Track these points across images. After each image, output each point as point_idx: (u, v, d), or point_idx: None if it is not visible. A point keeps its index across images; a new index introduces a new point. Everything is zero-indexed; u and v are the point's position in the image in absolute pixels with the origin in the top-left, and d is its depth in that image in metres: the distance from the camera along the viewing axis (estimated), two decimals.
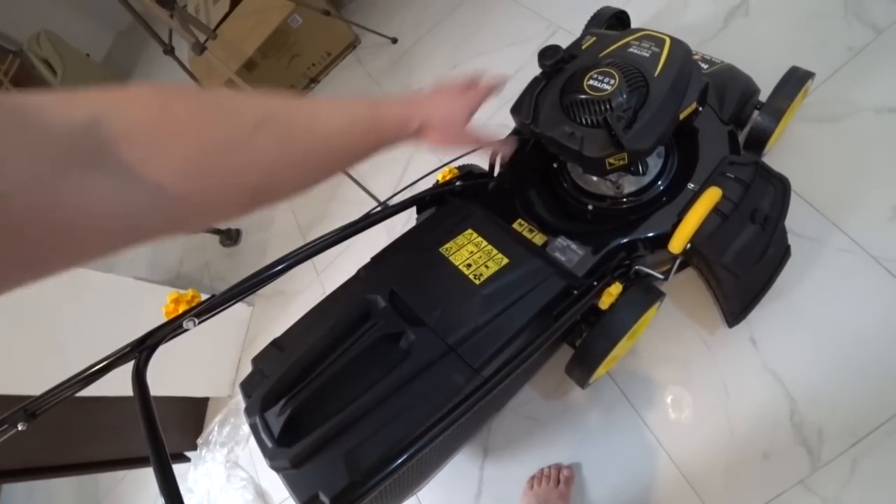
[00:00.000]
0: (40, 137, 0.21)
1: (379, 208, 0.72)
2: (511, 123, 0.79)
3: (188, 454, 1.43)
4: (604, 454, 0.78)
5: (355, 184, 1.18)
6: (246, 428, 1.35)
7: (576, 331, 0.72)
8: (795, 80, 0.72)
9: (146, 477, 1.43)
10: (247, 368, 1.51)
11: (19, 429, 0.53)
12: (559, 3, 1.21)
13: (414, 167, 1.24)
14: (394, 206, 0.73)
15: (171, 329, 0.58)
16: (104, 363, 0.56)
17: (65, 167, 0.21)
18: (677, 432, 0.74)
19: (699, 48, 0.82)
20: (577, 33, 0.93)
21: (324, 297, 1.31)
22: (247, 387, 0.63)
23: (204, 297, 0.63)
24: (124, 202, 0.23)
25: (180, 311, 0.60)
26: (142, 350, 0.57)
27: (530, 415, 0.86)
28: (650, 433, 0.75)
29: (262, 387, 0.59)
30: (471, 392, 0.53)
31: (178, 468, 1.39)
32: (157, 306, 1.31)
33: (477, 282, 0.61)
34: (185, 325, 0.58)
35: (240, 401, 1.38)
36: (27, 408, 0.54)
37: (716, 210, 0.60)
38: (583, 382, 0.73)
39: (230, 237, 1.61)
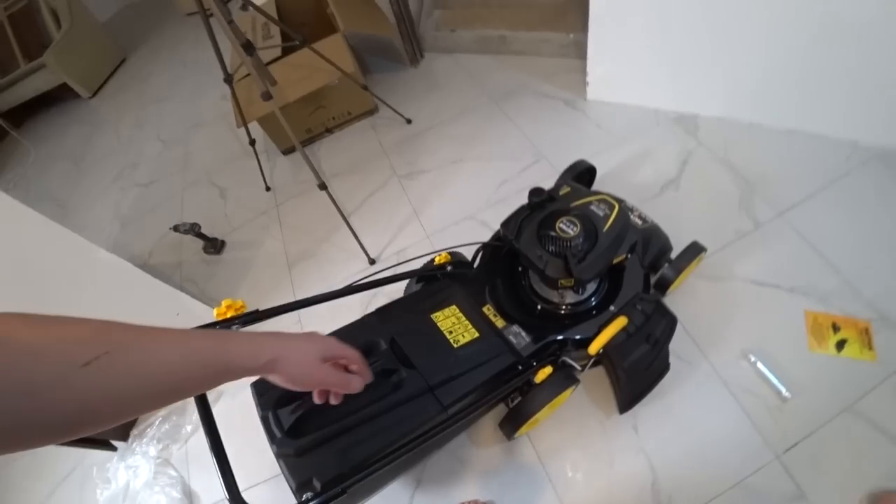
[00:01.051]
0: None
1: (382, 274, 0.91)
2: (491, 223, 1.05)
3: (116, 443, 1.42)
4: (513, 495, 0.99)
5: (352, 234, 1.38)
6: (189, 428, 1.40)
7: (513, 395, 0.95)
8: (693, 251, 1.03)
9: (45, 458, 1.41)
10: None
11: None
12: (548, 137, 1.53)
13: (407, 232, 1.46)
14: (394, 275, 0.95)
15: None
16: None
17: None
18: (571, 486, 0.97)
19: (638, 205, 1.11)
20: (556, 165, 1.23)
21: (298, 324, 1.45)
22: (259, 387, 0.79)
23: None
24: None
25: (229, 316, 0.76)
26: None
27: (461, 457, 1.06)
28: (550, 484, 0.98)
29: (279, 388, 0.76)
30: (438, 423, 0.74)
31: (99, 455, 1.37)
32: (117, 284, 1.27)
33: (455, 345, 0.84)
34: (233, 328, 0.75)
35: (190, 401, 1.44)
36: None
37: (624, 330, 0.87)
38: (510, 435, 0.95)
39: (214, 246, 1.66)
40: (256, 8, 1.30)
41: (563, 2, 1.76)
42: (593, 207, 0.92)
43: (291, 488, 0.69)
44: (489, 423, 1.04)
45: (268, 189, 1.79)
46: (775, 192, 1.23)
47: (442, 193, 1.52)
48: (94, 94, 2.95)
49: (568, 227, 0.86)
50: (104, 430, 0.33)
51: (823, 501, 0.86)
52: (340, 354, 0.53)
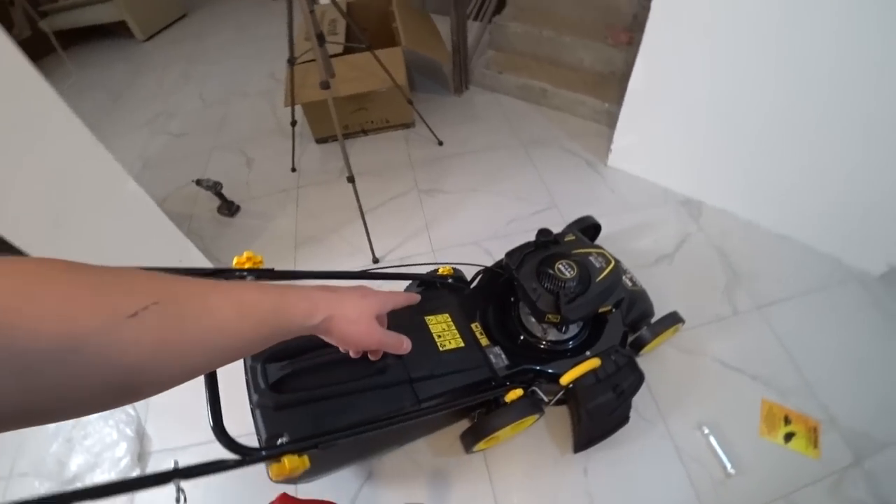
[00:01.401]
0: None
1: (391, 269, 0.98)
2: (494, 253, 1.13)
3: None
4: None
5: (364, 231, 1.45)
6: None
7: (479, 409, 1.01)
8: (672, 320, 1.12)
9: None
10: None
11: None
12: (564, 189, 1.64)
13: (415, 242, 1.53)
14: (401, 273, 1.00)
15: (234, 276, 0.79)
16: None
17: None
18: None
19: (632, 269, 1.20)
20: (566, 215, 1.32)
21: None
22: None
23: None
24: None
25: (246, 267, 0.82)
26: None
27: (416, 460, 1.10)
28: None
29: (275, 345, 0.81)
30: (409, 412, 0.79)
31: None
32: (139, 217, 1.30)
33: (441, 348, 0.90)
34: (247, 278, 0.80)
35: None
36: None
37: (595, 372, 0.94)
38: (468, 448, 1.00)
39: (229, 209, 1.71)
40: (336, 5, 1.40)
41: (606, 73, 1.90)
42: (592, 258, 1.00)
43: (260, 440, 0.73)
44: (450, 434, 1.09)
45: (293, 170, 1.87)
46: (758, 287, 1.33)
47: (455, 215, 1.61)
48: (149, 38, 3.06)
49: (565, 269, 0.94)
50: (145, 398, 0.29)
51: None
52: (394, 305, 0.52)
